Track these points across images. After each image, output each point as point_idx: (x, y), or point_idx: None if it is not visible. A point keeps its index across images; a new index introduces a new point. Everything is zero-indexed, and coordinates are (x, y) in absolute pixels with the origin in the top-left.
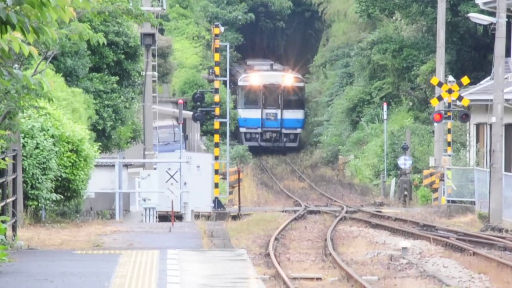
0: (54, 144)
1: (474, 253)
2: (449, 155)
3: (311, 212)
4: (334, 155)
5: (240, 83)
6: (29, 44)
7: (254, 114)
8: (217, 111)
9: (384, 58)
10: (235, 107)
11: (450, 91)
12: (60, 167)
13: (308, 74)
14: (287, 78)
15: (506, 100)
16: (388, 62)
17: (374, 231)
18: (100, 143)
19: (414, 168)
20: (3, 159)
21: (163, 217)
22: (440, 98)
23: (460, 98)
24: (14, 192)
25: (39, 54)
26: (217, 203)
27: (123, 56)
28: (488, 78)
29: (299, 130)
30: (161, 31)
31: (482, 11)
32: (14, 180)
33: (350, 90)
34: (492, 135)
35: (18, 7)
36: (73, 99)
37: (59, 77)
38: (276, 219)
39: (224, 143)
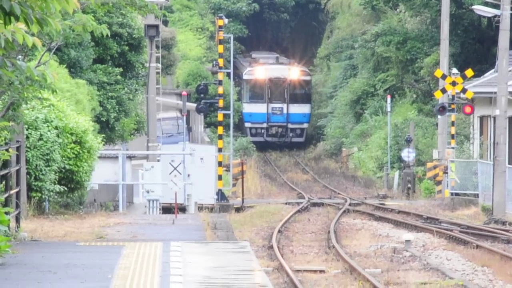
0: (57, 136)
1: (477, 246)
2: (453, 148)
3: (314, 204)
4: (338, 148)
5: (245, 76)
6: (33, 35)
7: (259, 108)
8: (220, 103)
9: (388, 50)
10: (238, 99)
11: (454, 83)
12: (63, 158)
13: (312, 66)
14: (293, 72)
15: (510, 92)
16: (392, 54)
17: (378, 223)
18: (103, 135)
19: (418, 161)
20: (7, 150)
21: (167, 209)
22: (444, 91)
23: (464, 90)
24: (18, 184)
25: (43, 45)
26: (221, 195)
27: (127, 48)
28: (492, 70)
29: (305, 125)
30: (165, 23)
31: (486, 3)
32: (18, 171)
33: (354, 82)
34: (496, 127)
35: None
36: (76, 90)
37: (63, 68)
38: (280, 211)
39: (228, 135)
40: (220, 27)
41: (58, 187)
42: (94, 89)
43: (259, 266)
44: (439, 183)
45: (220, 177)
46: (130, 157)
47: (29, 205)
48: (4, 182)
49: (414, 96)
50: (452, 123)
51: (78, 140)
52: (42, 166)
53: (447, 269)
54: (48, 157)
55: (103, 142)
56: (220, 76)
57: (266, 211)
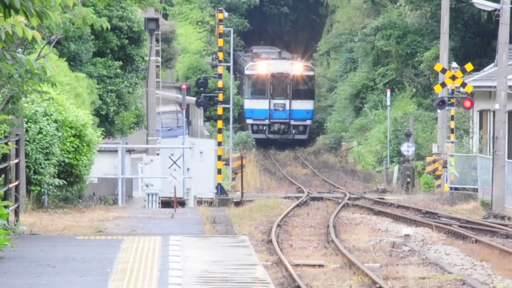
0: (57, 129)
1: (476, 241)
2: (452, 142)
3: (313, 198)
4: (337, 142)
5: (246, 71)
6: (32, 28)
7: (261, 104)
8: (220, 97)
9: (388, 44)
10: (238, 93)
11: (453, 77)
12: (63, 152)
13: (312, 60)
14: (296, 67)
15: (510, 87)
16: (392, 48)
17: (377, 218)
18: (103, 128)
19: (417, 155)
20: (6, 143)
21: (166, 203)
22: (443, 85)
23: (463, 84)
24: (17, 177)
25: (43, 39)
26: (220, 189)
27: (126, 41)
28: (492, 64)
29: (308, 122)
30: (165, 16)
31: None
32: (17, 165)
33: (353, 76)
34: (496, 122)
35: None
36: (76, 84)
37: (63, 61)
38: (279, 205)
39: (227, 129)
40: (220, 20)
41: (57, 181)
42: (93, 82)
43: (258, 260)
44: (438, 177)
45: (219, 171)
46: (129, 151)
47: (28, 198)
48: (3, 176)
49: (414, 90)
50: (452, 117)
51: (78, 134)
52: (41, 160)
53: (446, 263)
54: (48, 151)
55: (102, 136)
56: (220, 69)
57: (265, 205)
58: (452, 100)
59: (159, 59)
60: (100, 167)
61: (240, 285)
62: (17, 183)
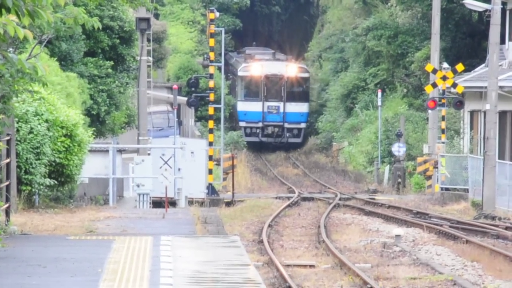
0: (48, 129)
1: (467, 241)
2: (443, 143)
3: (304, 199)
4: (328, 142)
5: (240, 73)
6: (24, 27)
7: (254, 107)
8: (211, 97)
9: (379, 45)
10: (229, 93)
11: (444, 78)
12: (54, 152)
13: (303, 61)
14: (291, 68)
15: (500, 87)
16: (383, 49)
17: (368, 218)
18: (94, 128)
19: (408, 155)
20: None
21: (157, 203)
22: (434, 85)
23: (454, 85)
24: (8, 177)
25: (34, 38)
26: (211, 189)
27: (118, 41)
28: (483, 65)
29: (303, 125)
30: (156, 16)
31: None
32: (8, 164)
33: (344, 76)
34: (486, 122)
35: None
36: (67, 83)
37: (54, 61)
38: (270, 205)
39: (219, 129)
40: (212, 20)
41: (48, 181)
42: (85, 82)
43: (249, 260)
44: (429, 177)
45: (210, 171)
46: (120, 151)
47: (19, 198)
48: None
49: (405, 90)
50: (443, 118)
51: (69, 134)
52: (32, 160)
53: (436, 264)
54: (39, 151)
55: (93, 136)
56: (211, 69)
57: (257, 206)
58: (443, 101)
59: (150, 59)
60: (91, 167)
61: (231, 285)
62: (8, 183)
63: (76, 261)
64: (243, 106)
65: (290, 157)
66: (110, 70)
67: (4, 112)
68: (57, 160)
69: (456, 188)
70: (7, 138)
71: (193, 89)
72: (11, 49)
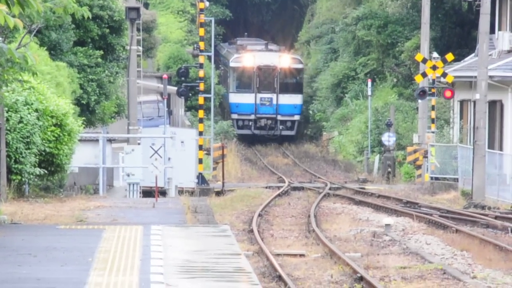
0: (38, 118)
1: (456, 230)
2: (433, 132)
3: (294, 188)
4: (318, 132)
5: (231, 64)
6: (14, 16)
7: (247, 99)
8: (201, 87)
9: (369, 34)
10: (219, 83)
11: (434, 67)
12: (44, 141)
13: (293, 50)
14: (284, 59)
15: (490, 77)
16: (373, 38)
17: (358, 207)
18: (84, 118)
19: (398, 145)
20: None
21: (147, 193)
22: (424, 75)
23: (444, 74)
24: None
25: (24, 27)
26: (201, 178)
27: (107, 30)
28: (473, 55)
29: (296, 117)
30: (146, 5)
31: None
32: None
33: (335, 65)
34: (476, 112)
35: None
36: (57, 73)
37: (43, 50)
38: (260, 195)
39: (209, 119)
40: (201, 10)
41: (38, 170)
42: (74, 71)
43: (239, 249)
44: (419, 167)
45: (200, 161)
46: (110, 140)
47: (9, 188)
48: None
49: (395, 80)
50: (433, 107)
51: (59, 123)
52: (22, 149)
53: (426, 253)
54: (28, 140)
55: (83, 125)
56: (201, 59)
57: (247, 195)
58: (433, 90)
59: (140, 48)
60: (81, 157)
61: (221, 274)
62: None
63: (67, 250)
64: (235, 98)
65: (280, 147)
66: (99, 60)
67: None
68: (47, 149)
69: (446, 177)
70: None
71: (183, 78)
72: (0, 38)
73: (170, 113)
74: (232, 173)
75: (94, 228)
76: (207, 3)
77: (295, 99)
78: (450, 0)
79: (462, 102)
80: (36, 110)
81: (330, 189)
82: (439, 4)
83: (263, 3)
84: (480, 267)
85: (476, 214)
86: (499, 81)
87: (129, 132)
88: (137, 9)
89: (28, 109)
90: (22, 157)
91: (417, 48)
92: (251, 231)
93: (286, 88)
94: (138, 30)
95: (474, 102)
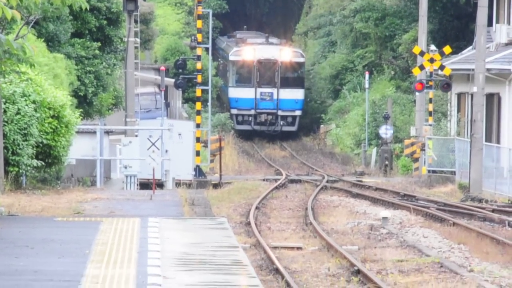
0: (35, 110)
1: (454, 224)
2: (430, 125)
3: (292, 181)
4: (315, 124)
5: (231, 57)
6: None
7: (247, 93)
8: (199, 79)
9: (367, 27)
10: (216, 75)
11: (432, 60)
12: (41, 133)
13: (290, 42)
14: (285, 53)
15: (488, 69)
16: (371, 31)
17: (355, 200)
18: (81, 110)
19: (395, 138)
20: None
21: (144, 185)
22: (422, 68)
23: (442, 67)
24: None
25: (21, 19)
26: (198, 171)
27: (105, 22)
28: (470, 47)
29: (298, 112)
30: None
31: None
32: None
33: (333, 57)
34: (473, 105)
35: None
36: (54, 64)
37: (41, 42)
38: (257, 187)
39: (206, 111)
40: (199, 2)
41: (35, 162)
42: (72, 63)
43: (236, 242)
44: (416, 160)
45: (198, 153)
46: (108, 132)
47: (6, 179)
48: None
49: (392, 72)
50: (430, 100)
51: (56, 115)
52: (19, 141)
53: (423, 246)
54: (26, 132)
55: (81, 117)
56: (199, 51)
57: (244, 188)
58: (430, 83)
59: (138, 40)
60: (78, 149)
61: (218, 267)
62: None
63: (64, 242)
64: (234, 92)
65: (278, 140)
66: (97, 51)
67: None
68: (44, 141)
69: (443, 170)
70: None
71: (180, 70)
72: None
73: (167, 105)
74: (229, 166)
75: (91, 220)
76: None
77: (297, 94)
78: None
79: (459, 95)
80: (34, 102)
81: (327, 181)
82: None
83: None
84: (477, 260)
85: (473, 207)
86: (497, 74)
87: (126, 124)
88: (134, 1)
89: (25, 100)
90: (20, 148)
91: (415, 40)
92: (249, 223)
93: (287, 83)
94: (135, 22)
95: (472, 95)
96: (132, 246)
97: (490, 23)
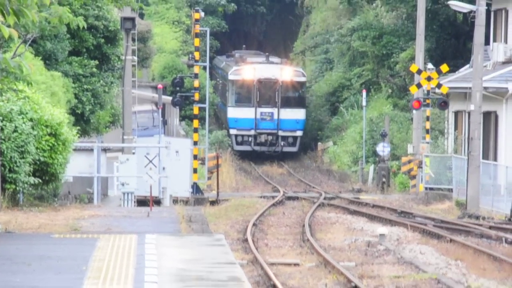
0: (32, 128)
1: (451, 240)
2: (428, 143)
3: (289, 198)
4: (313, 142)
5: (230, 77)
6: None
7: (246, 113)
8: (196, 96)
9: (364, 45)
10: (214, 92)
11: (429, 78)
12: (38, 150)
13: (288, 61)
14: (286, 72)
15: (485, 88)
16: (368, 49)
17: (352, 217)
18: (78, 127)
19: (393, 155)
20: None
21: (141, 202)
22: (419, 86)
23: (439, 85)
24: None
25: (19, 37)
26: (196, 188)
27: (102, 40)
28: (467, 66)
29: (299, 133)
30: (141, 16)
31: None
32: None
33: (330, 75)
34: (471, 122)
35: None
36: (52, 82)
37: (38, 60)
38: (255, 204)
39: (203, 128)
40: (197, 20)
41: (32, 179)
42: (69, 81)
43: (234, 259)
44: (413, 177)
45: (195, 170)
46: (105, 150)
47: (3, 197)
48: None
49: (390, 90)
50: (427, 118)
51: (53, 132)
52: (16, 158)
53: (421, 262)
54: (23, 149)
55: (78, 135)
56: (196, 69)
57: (241, 205)
58: (427, 101)
59: (135, 58)
60: (75, 166)
61: (216, 283)
62: None
63: (61, 259)
64: (234, 112)
65: (274, 157)
66: (94, 70)
67: None
68: (42, 158)
69: (441, 187)
70: None
71: (178, 88)
72: None
73: (165, 122)
74: (226, 183)
75: (88, 237)
76: (203, 14)
77: (298, 114)
78: (445, 11)
79: (456, 113)
80: (31, 120)
81: (324, 198)
82: (434, 15)
83: (258, 14)
84: (474, 276)
85: (470, 224)
86: (494, 92)
87: (123, 142)
88: (132, 19)
89: (22, 118)
90: (17, 166)
91: (412, 59)
92: (246, 240)
93: (288, 102)
94: (133, 40)
95: (469, 113)
96: (129, 262)
97: (487, 42)
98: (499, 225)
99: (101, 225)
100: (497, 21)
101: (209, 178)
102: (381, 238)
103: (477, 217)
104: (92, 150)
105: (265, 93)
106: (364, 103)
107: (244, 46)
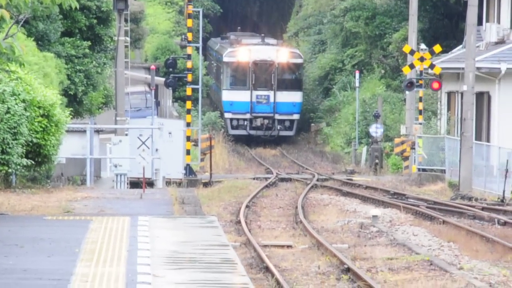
0: (25, 109)
1: (443, 222)
2: (420, 123)
3: (282, 179)
4: (306, 123)
5: (225, 59)
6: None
7: (242, 96)
8: (189, 77)
9: (357, 26)
10: (207, 74)
11: (422, 59)
12: (31, 132)
13: (281, 41)
14: (282, 54)
15: (478, 68)
16: (361, 30)
17: (345, 199)
18: (71, 109)
19: (386, 136)
20: None
21: (134, 184)
22: (412, 66)
23: (432, 66)
24: None
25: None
26: (189, 170)
27: (95, 21)
28: (460, 46)
29: (295, 116)
30: None
31: None
32: None
33: (322, 57)
34: (463, 103)
35: None
36: (44, 63)
37: (31, 41)
38: (248, 186)
39: (196, 110)
40: (189, 0)
41: (25, 161)
42: (62, 62)
43: (227, 241)
44: (406, 158)
45: (188, 152)
46: (98, 131)
47: None
48: None
49: (383, 71)
50: (420, 99)
51: (46, 114)
52: (9, 140)
53: (413, 244)
54: (15, 131)
55: (71, 116)
56: (189, 50)
57: (234, 186)
58: (420, 82)
59: (128, 39)
60: (68, 147)
61: (208, 265)
62: None
63: (54, 241)
64: (228, 95)
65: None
66: (87, 50)
67: None
68: (34, 140)
69: (433, 169)
70: None
71: (170, 69)
72: None
73: (157, 104)
74: (219, 164)
75: (81, 219)
76: None
77: (294, 97)
78: None
79: (449, 94)
80: (23, 101)
81: (317, 180)
82: None
83: None
84: (467, 258)
85: (463, 206)
86: (487, 73)
87: (116, 123)
88: (125, 0)
89: (15, 99)
90: (9, 147)
91: (405, 39)
92: (239, 222)
93: (284, 85)
94: (126, 20)
95: (462, 93)
96: (122, 244)
97: (480, 22)
98: (492, 206)
99: (94, 207)
100: (490, 1)
101: (202, 160)
102: (374, 220)
103: (470, 198)
104: (85, 131)
105: (261, 75)
106: (357, 84)
107: (239, 28)
